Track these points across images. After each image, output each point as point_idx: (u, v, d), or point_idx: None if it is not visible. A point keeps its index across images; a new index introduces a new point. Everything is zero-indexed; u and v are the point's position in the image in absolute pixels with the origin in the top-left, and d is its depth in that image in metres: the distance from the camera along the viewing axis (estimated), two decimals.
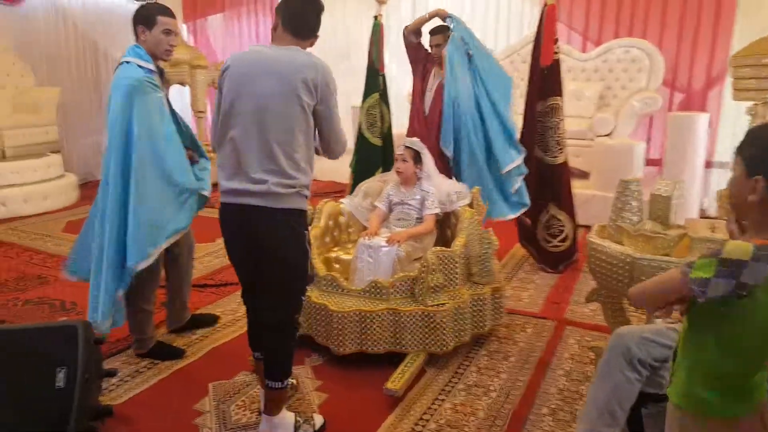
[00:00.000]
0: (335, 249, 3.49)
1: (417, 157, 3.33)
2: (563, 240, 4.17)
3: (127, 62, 2.71)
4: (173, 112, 2.86)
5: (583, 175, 5.61)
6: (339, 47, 7.27)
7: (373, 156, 4.56)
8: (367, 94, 4.61)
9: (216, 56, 8.34)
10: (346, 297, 2.94)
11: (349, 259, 3.28)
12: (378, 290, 2.89)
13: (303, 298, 2.29)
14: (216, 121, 2.21)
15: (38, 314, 3.56)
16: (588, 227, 5.12)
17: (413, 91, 4.14)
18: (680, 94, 6.04)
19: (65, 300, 3.76)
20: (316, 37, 2.23)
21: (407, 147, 3.34)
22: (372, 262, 3.14)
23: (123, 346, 3.11)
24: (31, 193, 6.02)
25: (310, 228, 3.20)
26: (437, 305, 2.81)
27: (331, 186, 7.12)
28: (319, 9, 2.20)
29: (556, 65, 4.00)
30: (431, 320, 2.80)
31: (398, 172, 3.36)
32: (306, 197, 2.20)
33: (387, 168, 4.35)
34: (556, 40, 3.99)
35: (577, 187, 5.14)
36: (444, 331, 2.81)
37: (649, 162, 5.96)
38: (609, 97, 6.10)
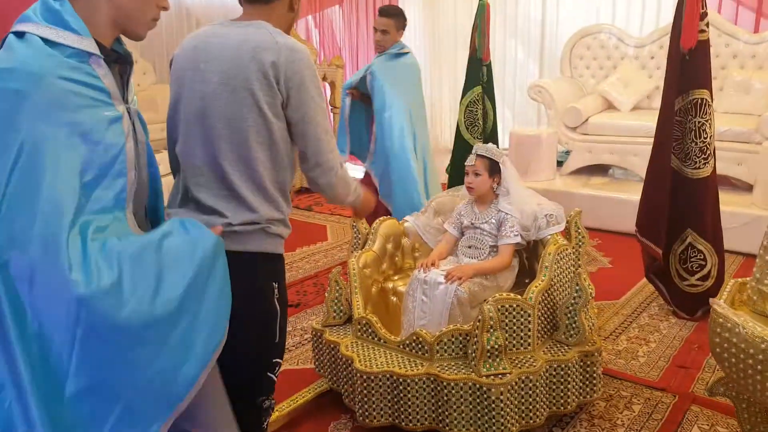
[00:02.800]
0: (395, 278, 2.86)
1: (494, 168, 2.59)
2: (704, 278, 3.16)
3: (20, 34, 1.12)
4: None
5: (746, 188, 4.44)
6: (436, 37, 6.42)
7: None
8: (467, 89, 4.08)
9: (338, 50, 7.96)
10: (381, 350, 2.31)
11: None
12: (419, 345, 2.22)
13: (273, 375, 1.66)
14: None
15: None
16: (747, 257, 4.02)
17: None
18: None
19: None
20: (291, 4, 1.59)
21: (480, 155, 2.60)
22: (426, 302, 2.48)
23: None
24: None
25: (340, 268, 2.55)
26: (494, 375, 2.09)
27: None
28: None
29: (702, 47, 3.01)
30: (484, 396, 2.07)
31: (469, 189, 2.65)
32: (277, 236, 1.60)
33: None
34: (704, 14, 3.00)
35: (736, 204, 4.09)
36: (503, 411, 2.07)
37: None
38: None
